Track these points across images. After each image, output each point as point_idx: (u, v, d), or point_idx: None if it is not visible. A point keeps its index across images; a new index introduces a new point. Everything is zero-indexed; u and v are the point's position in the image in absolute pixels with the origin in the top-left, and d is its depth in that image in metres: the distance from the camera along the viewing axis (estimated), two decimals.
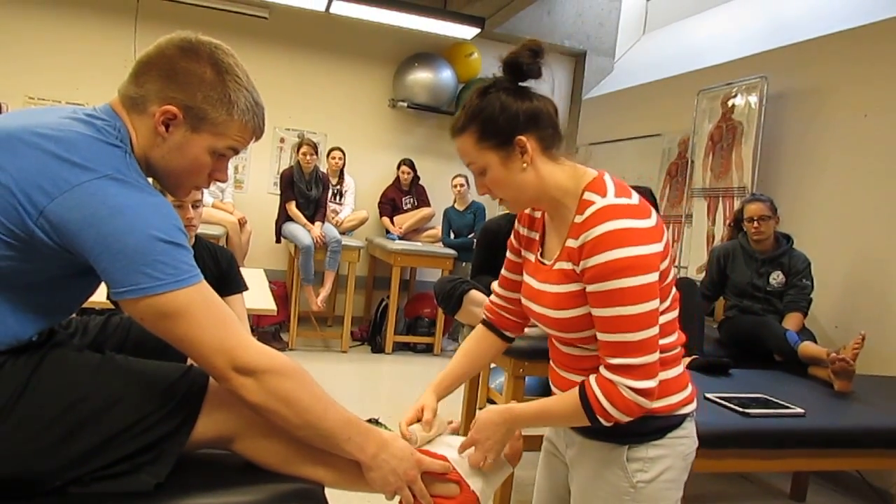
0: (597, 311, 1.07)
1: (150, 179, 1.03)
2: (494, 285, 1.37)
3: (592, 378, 1.09)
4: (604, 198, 1.08)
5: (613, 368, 1.06)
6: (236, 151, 1.08)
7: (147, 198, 0.94)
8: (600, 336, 1.08)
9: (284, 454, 1.07)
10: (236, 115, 1.03)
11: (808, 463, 1.91)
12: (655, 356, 1.06)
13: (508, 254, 1.32)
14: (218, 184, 5.82)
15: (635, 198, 1.10)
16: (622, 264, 1.02)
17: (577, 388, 1.11)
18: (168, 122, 1.01)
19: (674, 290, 1.15)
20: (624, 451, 1.16)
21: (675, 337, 1.18)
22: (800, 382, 2.40)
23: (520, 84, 1.13)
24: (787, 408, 1.94)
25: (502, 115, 1.10)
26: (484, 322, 1.37)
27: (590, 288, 1.07)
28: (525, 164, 1.11)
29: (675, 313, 1.16)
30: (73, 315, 1.22)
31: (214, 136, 1.03)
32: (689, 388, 1.21)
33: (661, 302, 1.09)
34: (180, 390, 1.02)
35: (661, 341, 1.09)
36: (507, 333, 1.36)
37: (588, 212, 1.07)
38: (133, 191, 0.93)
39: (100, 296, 1.14)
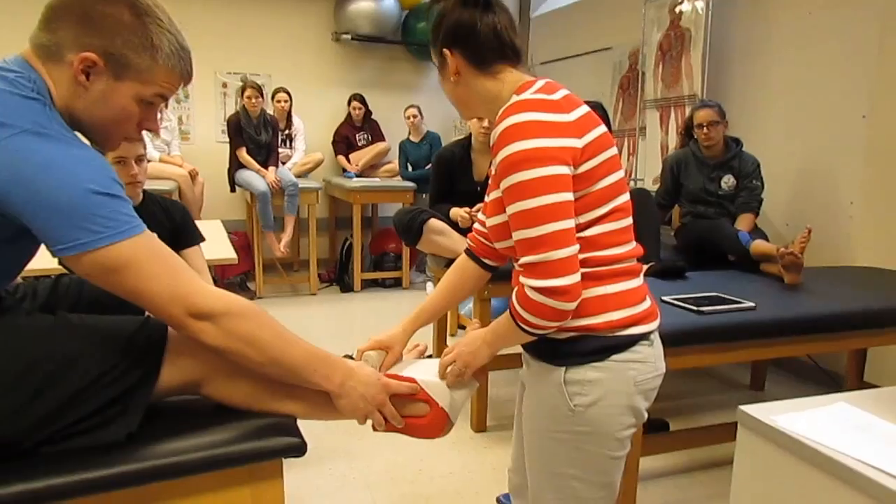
0: (507, 211, 1.03)
1: (77, 133, 0.99)
2: (479, 214, 1.34)
3: None
4: (520, 95, 1.05)
5: (521, 269, 1.03)
6: (165, 98, 1.04)
7: (75, 150, 0.91)
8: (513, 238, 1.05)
9: (253, 392, 1.09)
10: (161, 59, 0.99)
11: (760, 352, 2.01)
12: (562, 252, 0.99)
13: (490, 181, 1.30)
14: (164, 137, 5.51)
15: (558, 94, 1.06)
16: (517, 157, 0.99)
17: None
18: (88, 71, 0.96)
19: (621, 199, 1.09)
20: (562, 372, 1.10)
21: (619, 250, 1.10)
22: (753, 279, 2.50)
23: None
24: (739, 303, 2.03)
25: (439, 24, 1.11)
26: (466, 251, 1.35)
27: (501, 187, 1.03)
28: (453, 78, 1.12)
29: (615, 224, 1.09)
30: (20, 280, 1.19)
31: (140, 83, 0.99)
32: (642, 307, 1.12)
33: (592, 209, 1.05)
34: (140, 341, 1.02)
35: (597, 253, 1.07)
36: (488, 262, 1.33)
37: (501, 111, 1.04)
38: (58, 144, 0.89)
39: (52, 262, 1.12)
